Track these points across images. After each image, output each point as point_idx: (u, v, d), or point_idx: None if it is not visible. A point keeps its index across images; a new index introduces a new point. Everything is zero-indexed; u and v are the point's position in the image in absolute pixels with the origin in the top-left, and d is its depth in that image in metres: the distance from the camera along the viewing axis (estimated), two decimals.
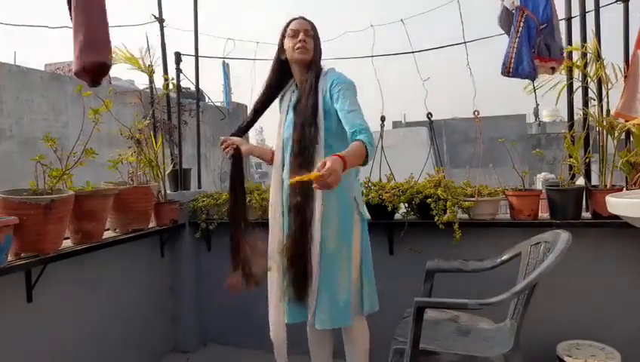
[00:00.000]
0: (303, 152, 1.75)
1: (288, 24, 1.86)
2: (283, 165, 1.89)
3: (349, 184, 1.79)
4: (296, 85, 1.90)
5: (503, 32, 2.28)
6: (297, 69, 1.87)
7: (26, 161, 1.87)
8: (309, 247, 1.75)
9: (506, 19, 2.21)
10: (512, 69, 2.15)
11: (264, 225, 1.94)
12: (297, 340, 1.99)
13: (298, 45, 1.80)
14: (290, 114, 1.87)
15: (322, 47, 1.90)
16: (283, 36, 1.87)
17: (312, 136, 1.73)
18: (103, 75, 2.13)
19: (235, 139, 1.99)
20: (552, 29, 2.16)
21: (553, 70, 2.24)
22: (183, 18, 3.02)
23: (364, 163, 1.62)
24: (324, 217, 1.75)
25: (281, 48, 1.88)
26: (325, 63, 1.91)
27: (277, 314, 1.86)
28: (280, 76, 1.93)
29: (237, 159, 1.99)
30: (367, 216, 1.95)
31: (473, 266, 1.95)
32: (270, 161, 2.00)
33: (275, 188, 1.90)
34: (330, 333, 1.94)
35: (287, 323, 1.86)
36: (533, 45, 2.14)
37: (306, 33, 1.82)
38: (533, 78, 2.20)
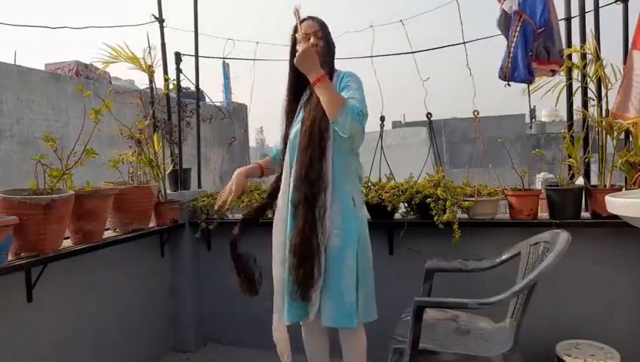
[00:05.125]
0: (312, 144, 1.72)
1: (296, 28, 1.81)
2: (291, 164, 1.82)
3: (348, 180, 1.77)
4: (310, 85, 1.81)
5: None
6: None
7: (26, 161, 1.87)
8: (319, 244, 1.71)
9: (505, 23, 2.22)
10: (509, 73, 2.16)
11: (264, 225, 1.94)
12: (296, 340, 1.99)
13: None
14: (302, 112, 1.84)
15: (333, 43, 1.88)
16: (294, 42, 1.83)
17: (323, 129, 1.72)
18: None
19: (237, 186, 1.91)
20: (550, 32, 2.16)
21: (553, 72, 2.25)
22: (183, 18, 3.03)
23: (334, 115, 1.64)
24: (332, 213, 1.72)
25: (294, 53, 1.81)
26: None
27: (280, 316, 1.84)
28: (298, 80, 1.85)
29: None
30: (367, 215, 1.92)
31: (473, 266, 1.95)
32: (261, 175, 2.05)
33: (284, 190, 1.85)
34: (326, 333, 1.93)
35: (287, 324, 1.82)
36: (531, 49, 2.14)
37: (316, 35, 1.80)
38: (529, 83, 2.20)
